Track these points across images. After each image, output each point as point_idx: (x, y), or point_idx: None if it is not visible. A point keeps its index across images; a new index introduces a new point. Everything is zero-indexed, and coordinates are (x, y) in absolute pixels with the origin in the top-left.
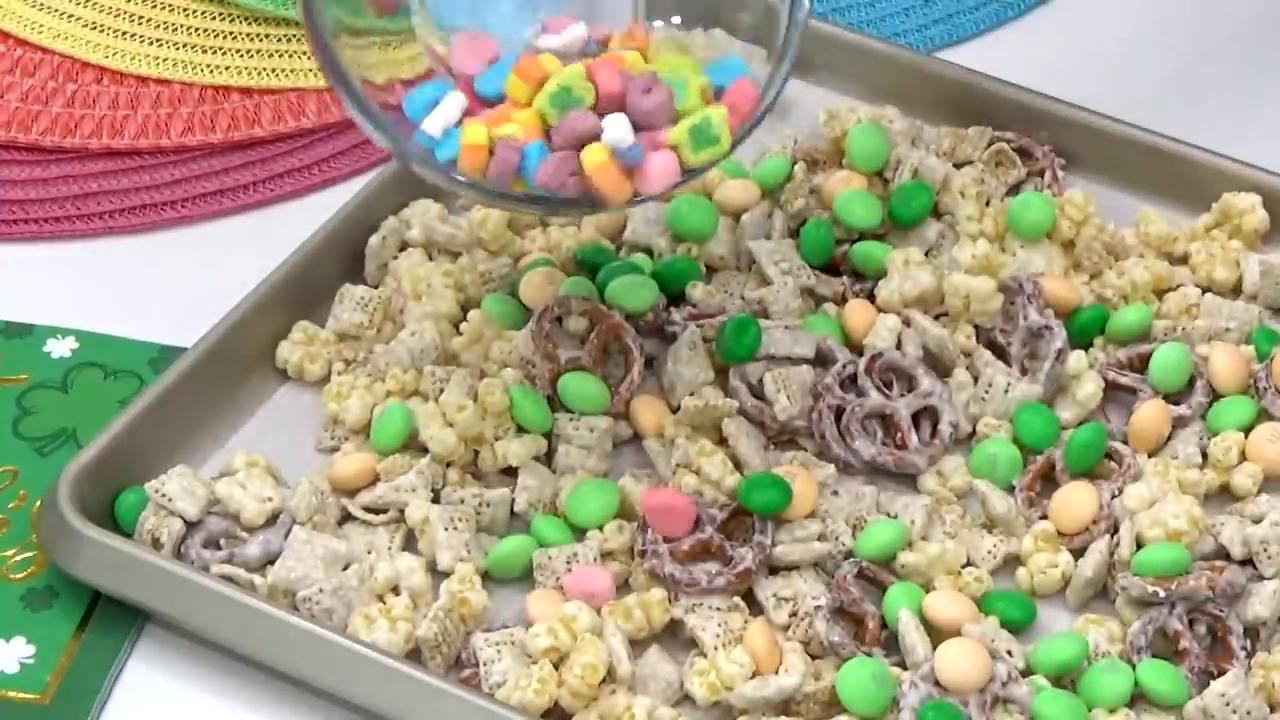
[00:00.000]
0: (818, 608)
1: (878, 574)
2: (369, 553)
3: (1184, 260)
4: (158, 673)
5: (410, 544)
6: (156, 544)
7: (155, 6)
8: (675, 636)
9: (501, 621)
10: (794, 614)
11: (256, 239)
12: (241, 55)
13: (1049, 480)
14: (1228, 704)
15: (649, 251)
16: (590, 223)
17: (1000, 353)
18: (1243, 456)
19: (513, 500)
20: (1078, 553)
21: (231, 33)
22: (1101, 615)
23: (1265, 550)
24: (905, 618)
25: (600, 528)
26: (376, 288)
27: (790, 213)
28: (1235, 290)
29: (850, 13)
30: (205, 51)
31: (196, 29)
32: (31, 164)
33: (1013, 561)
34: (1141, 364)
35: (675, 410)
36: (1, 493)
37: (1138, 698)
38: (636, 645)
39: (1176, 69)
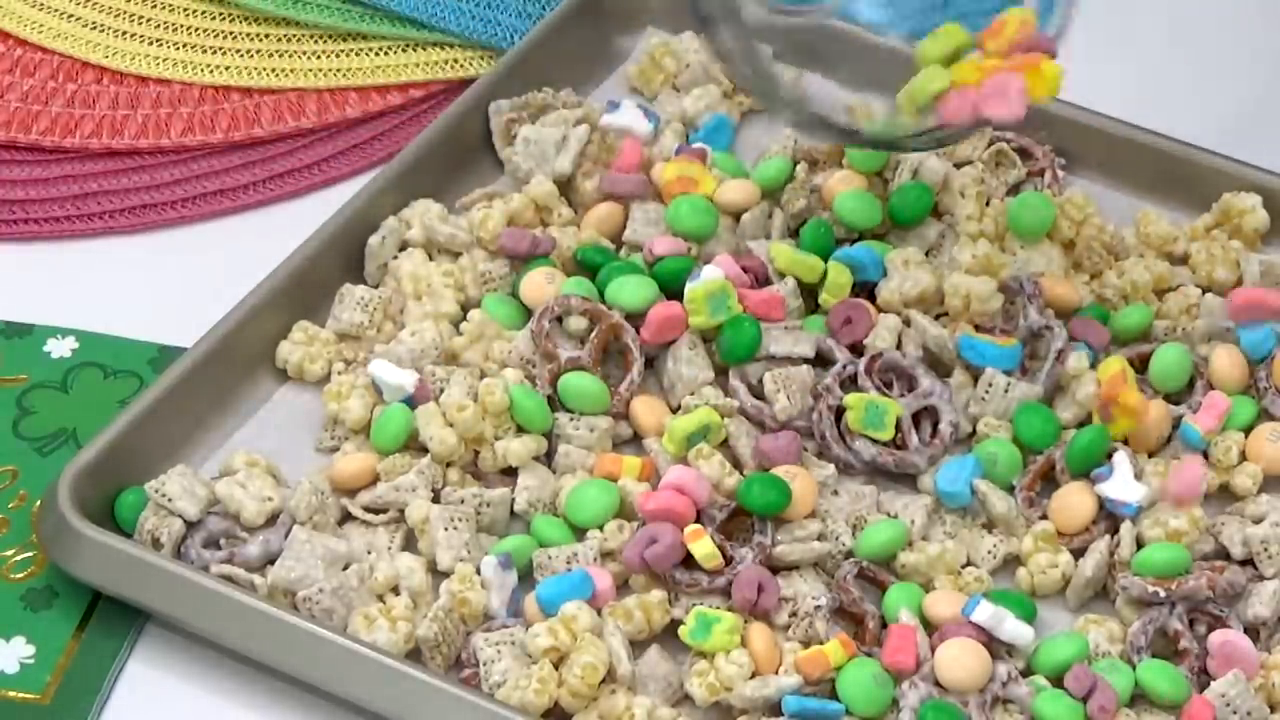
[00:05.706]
0: (818, 608)
1: (878, 574)
2: (369, 553)
3: (1184, 260)
4: (158, 673)
5: (410, 544)
6: (156, 544)
7: (155, 6)
8: (675, 637)
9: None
10: (794, 614)
11: (256, 239)
12: (241, 55)
13: (1049, 480)
14: (1228, 704)
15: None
16: (590, 222)
17: None
18: (1243, 456)
19: (513, 500)
20: (1078, 553)
21: (231, 33)
22: (1101, 615)
23: (1265, 550)
24: (905, 618)
25: (600, 528)
26: (376, 288)
27: (790, 213)
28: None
29: None
30: (205, 51)
31: (196, 29)
32: (31, 164)
33: (1013, 561)
34: (1141, 364)
35: (675, 410)
36: (1, 493)
37: (1138, 698)
38: (636, 645)
39: (1177, 69)
